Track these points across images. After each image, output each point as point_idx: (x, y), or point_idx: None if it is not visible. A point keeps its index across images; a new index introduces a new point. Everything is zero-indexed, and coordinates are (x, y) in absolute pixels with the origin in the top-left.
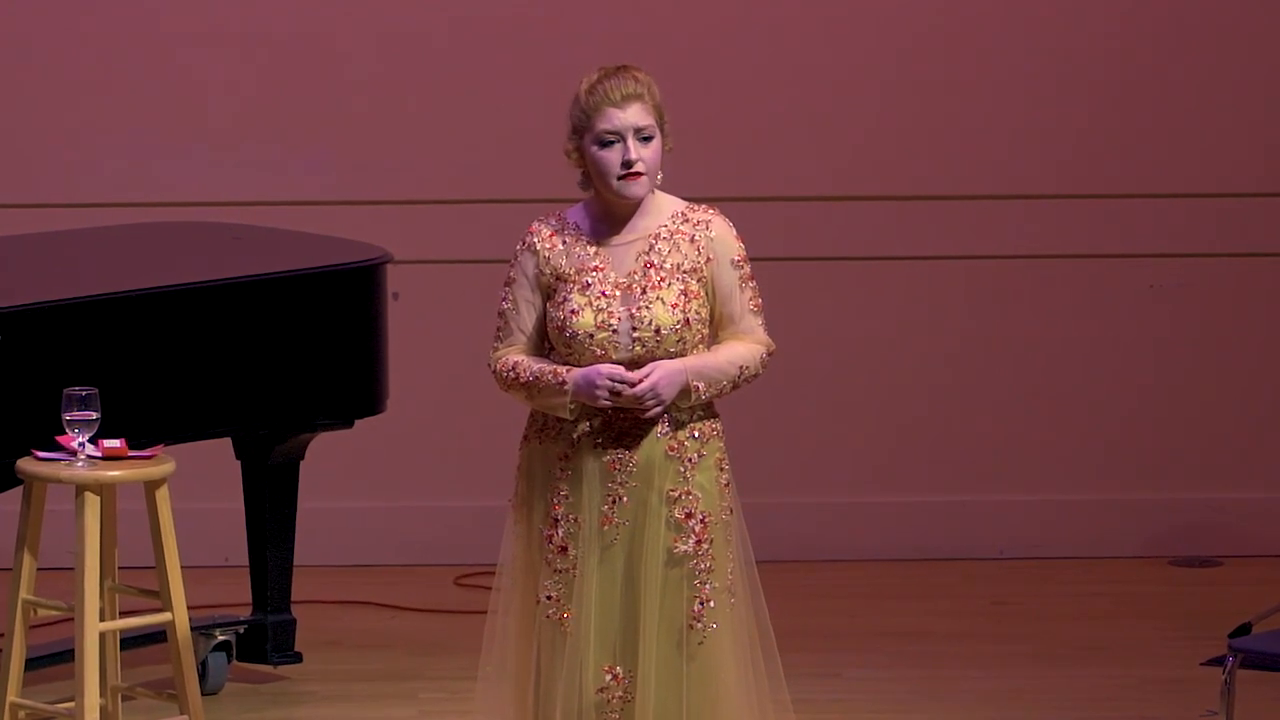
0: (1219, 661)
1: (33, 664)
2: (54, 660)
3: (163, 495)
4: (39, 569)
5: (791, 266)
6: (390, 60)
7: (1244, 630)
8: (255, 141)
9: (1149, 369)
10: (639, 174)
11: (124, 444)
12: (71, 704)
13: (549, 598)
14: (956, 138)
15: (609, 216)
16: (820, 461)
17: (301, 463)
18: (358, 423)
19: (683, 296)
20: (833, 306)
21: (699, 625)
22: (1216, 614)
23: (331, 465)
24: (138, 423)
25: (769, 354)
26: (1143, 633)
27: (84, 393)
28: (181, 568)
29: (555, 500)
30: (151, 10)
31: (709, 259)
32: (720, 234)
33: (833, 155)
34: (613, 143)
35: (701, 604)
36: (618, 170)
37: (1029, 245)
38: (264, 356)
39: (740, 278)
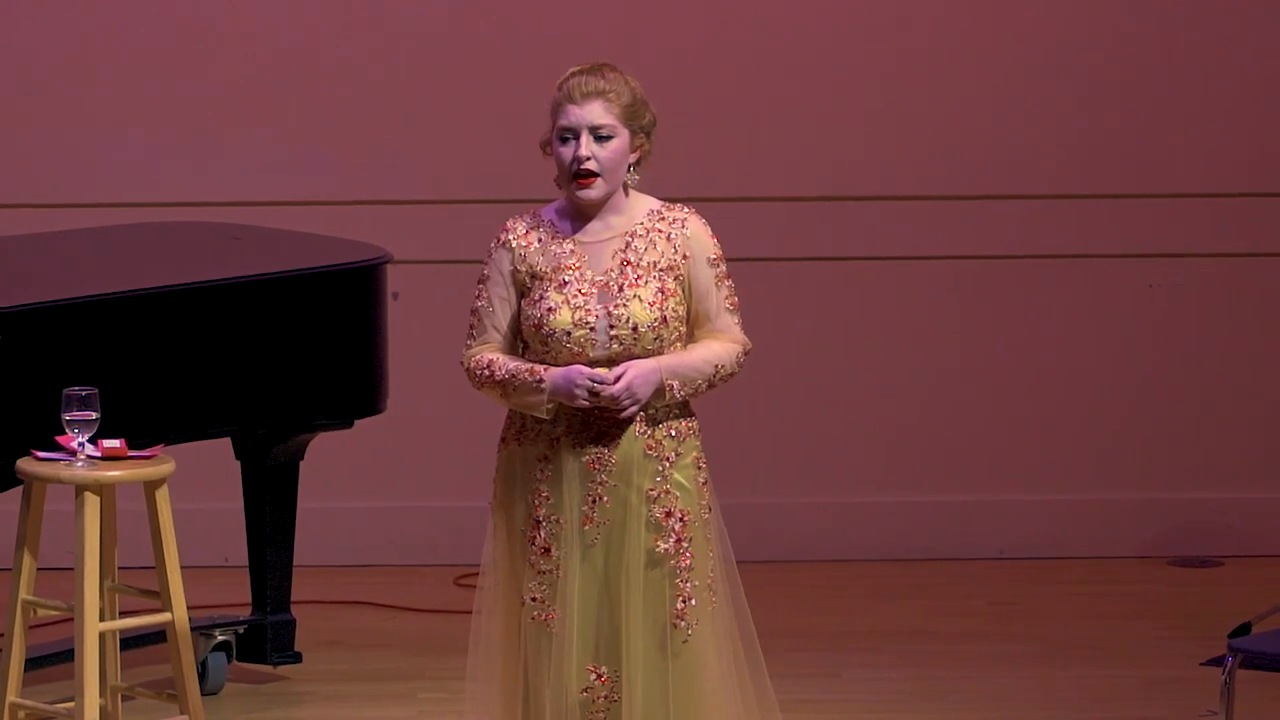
0: (1219, 662)
1: (32, 664)
2: (54, 660)
3: (162, 495)
4: (39, 569)
5: (792, 266)
6: (391, 60)
7: (1244, 630)
8: (256, 142)
9: (1148, 369)
10: (591, 175)
11: (124, 444)
12: (71, 704)
13: (534, 599)
14: (955, 138)
15: (582, 214)
16: (820, 461)
17: (301, 463)
18: (357, 423)
19: (660, 294)
20: (833, 306)
21: (682, 624)
22: (1216, 614)
23: (331, 465)
24: (137, 423)
25: (745, 353)
26: (1143, 633)
27: (84, 393)
28: (181, 568)
29: (536, 502)
30: (152, 11)
31: (685, 256)
32: (696, 232)
33: (830, 155)
34: (568, 140)
35: (684, 602)
36: (569, 168)
37: (1028, 245)
38: (264, 356)
39: (716, 276)
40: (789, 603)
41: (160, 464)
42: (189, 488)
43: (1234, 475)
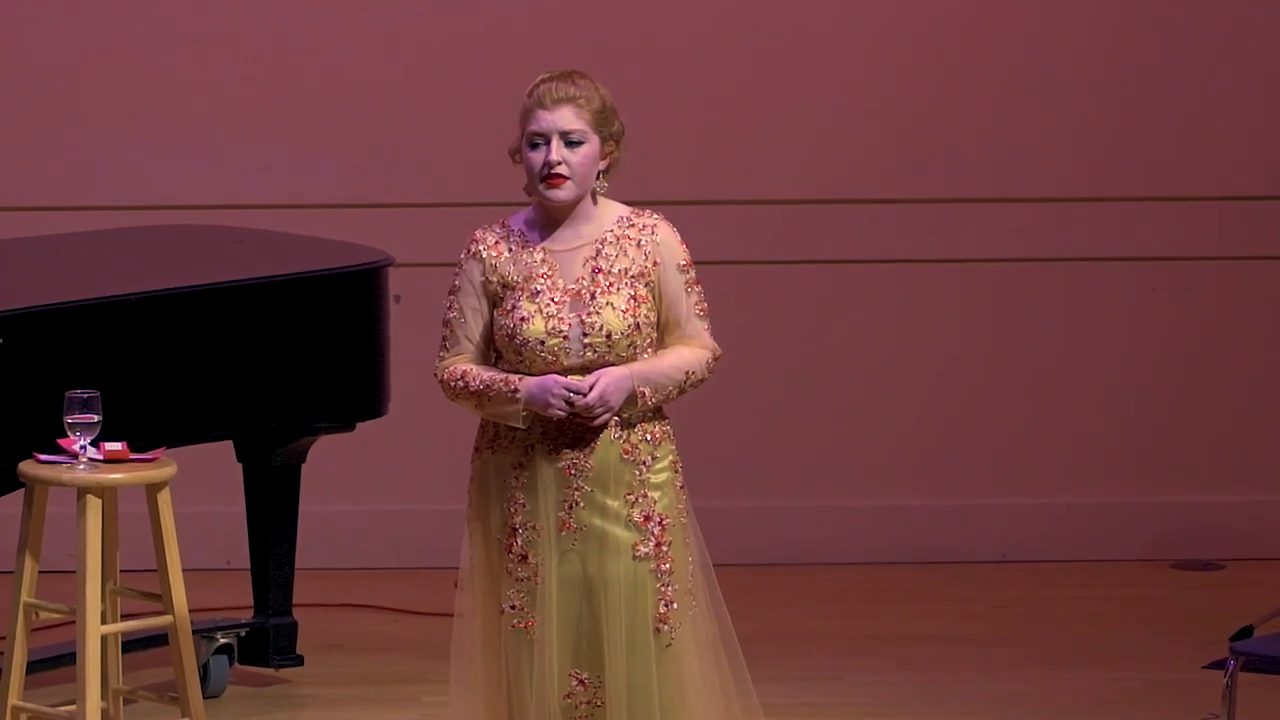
0: (1221, 665)
1: (34, 667)
2: (55, 663)
3: (164, 498)
4: (40, 572)
5: (792, 269)
6: (392, 63)
7: (1246, 633)
8: (257, 145)
9: (1151, 372)
10: (561, 178)
11: (125, 447)
12: (73, 707)
13: (513, 607)
14: (956, 140)
15: (551, 222)
16: (822, 465)
17: (303, 466)
18: (359, 426)
19: (632, 301)
20: (834, 310)
21: (665, 628)
22: (1218, 617)
23: (333, 468)
24: (139, 425)
25: (715, 359)
26: (1145, 636)
27: (85, 395)
28: (183, 570)
29: (512, 509)
30: (153, 12)
31: (656, 263)
32: (665, 239)
33: (831, 158)
34: (539, 145)
35: (666, 606)
36: (539, 172)
37: (1030, 248)
38: (266, 359)
39: (686, 282)
40: (791, 606)
41: (162, 467)
42: (191, 491)
43: (1236, 478)
